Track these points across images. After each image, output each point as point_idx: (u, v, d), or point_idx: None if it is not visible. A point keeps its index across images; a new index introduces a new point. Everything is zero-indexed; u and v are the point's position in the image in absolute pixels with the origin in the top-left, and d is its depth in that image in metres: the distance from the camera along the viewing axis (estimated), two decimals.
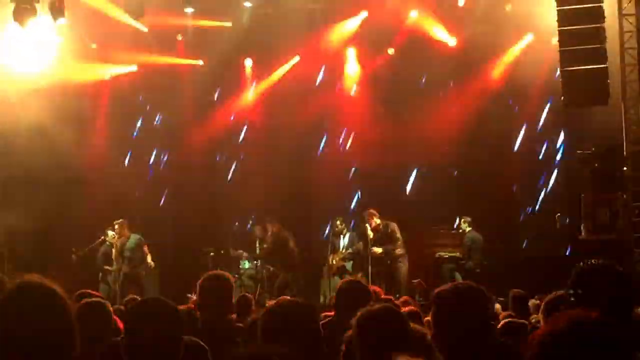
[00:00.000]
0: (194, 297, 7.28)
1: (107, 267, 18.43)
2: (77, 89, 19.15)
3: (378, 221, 17.89)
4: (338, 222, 19.04)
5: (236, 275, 18.71)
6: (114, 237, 18.22)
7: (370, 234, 17.75)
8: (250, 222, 20.29)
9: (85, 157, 19.65)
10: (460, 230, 18.61)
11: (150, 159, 22.10)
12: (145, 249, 18.35)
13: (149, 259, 18.29)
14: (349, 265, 18.85)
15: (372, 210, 18.08)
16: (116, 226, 18.16)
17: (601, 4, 15.82)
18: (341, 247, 18.97)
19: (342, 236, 19.01)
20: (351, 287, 6.39)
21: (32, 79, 17.71)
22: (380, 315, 4.08)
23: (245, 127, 22.19)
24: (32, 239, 18.80)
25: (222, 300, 5.64)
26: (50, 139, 18.03)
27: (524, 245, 19.87)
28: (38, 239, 18.96)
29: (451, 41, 19.74)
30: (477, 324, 3.90)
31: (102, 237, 18.53)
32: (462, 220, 18.53)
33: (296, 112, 20.73)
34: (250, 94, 21.93)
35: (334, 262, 18.85)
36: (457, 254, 18.46)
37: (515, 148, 20.11)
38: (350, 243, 18.87)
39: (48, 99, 17.61)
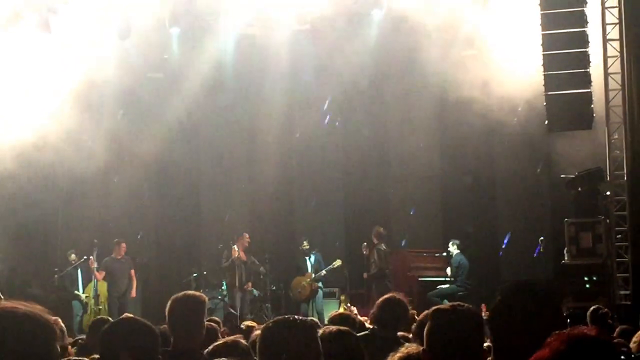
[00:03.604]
0: None
1: (77, 293, 18.49)
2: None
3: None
4: (304, 243, 19.04)
5: (219, 297, 18.67)
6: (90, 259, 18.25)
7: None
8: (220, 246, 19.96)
9: (71, 178, 19.56)
10: (449, 253, 18.61)
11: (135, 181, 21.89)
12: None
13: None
14: (321, 285, 18.86)
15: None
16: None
17: (585, 29, 15.91)
18: (309, 268, 18.94)
19: (307, 257, 18.99)
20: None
21: None
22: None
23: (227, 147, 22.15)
24: (16, 259, 18.72)
25: (193, 321, 5.61)
26: (39, 160, 18.05)
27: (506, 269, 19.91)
28: (21, 259, 18.87)
29: None
30: (473, 346, 3.95)
31: (85, 257, 18.48)
32: (451, 242, 18.56)
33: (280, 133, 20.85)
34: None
35: (305, 283, 18.81)
36: (441, 277, 18.52)
37: (499, 171, 20.14)
38: (318, 264, 18.85)
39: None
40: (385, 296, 7.17)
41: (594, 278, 15.75)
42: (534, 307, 3.49)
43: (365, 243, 18.32)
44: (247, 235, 18.89)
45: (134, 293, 18.36)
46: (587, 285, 15.69)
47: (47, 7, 17.23)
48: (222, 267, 18.57)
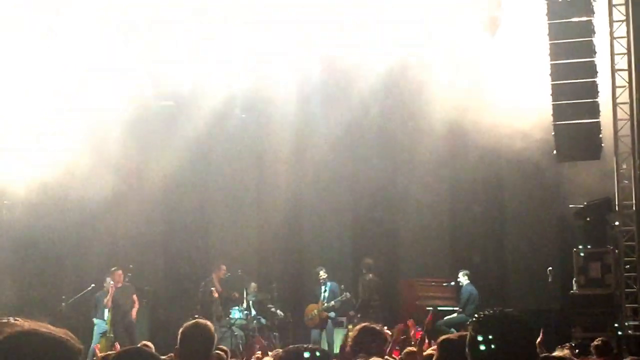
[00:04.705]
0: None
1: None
2: None
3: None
4: (321, 272, 19.01)
5: (226, 327, 18.59)
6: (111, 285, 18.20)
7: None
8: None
9: (80, 206, 19.59)
10: (458, 282, 18.57)
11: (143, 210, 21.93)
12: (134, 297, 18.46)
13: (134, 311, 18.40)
14: (332, 315, 18.81)
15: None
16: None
17: (594, 59, 15.96)
18: (322, 297, 18.90)
19: (323, 286, 18.96)
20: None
21: None
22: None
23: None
24: (25, 287, 18.72)
25: (202, 349, 5.66)
26: (50, 188, 18.15)
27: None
28: (30, 287, 18.87)
29: None
30: None
31: (92, 285, 18.47)
32: (462, 273, 18.54)
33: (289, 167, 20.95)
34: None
35: (316, 312, 18.78)
36: (449, 307, 18.47)
37: (508, 201, 20.12)
38: (332, 293, 18.81)
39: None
40: (358, 326, 7.13)
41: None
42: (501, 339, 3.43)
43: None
44: (224, 267, 18.84)
45: (134, 314, 18.30)
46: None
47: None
48: (201, 299, 18.47)
